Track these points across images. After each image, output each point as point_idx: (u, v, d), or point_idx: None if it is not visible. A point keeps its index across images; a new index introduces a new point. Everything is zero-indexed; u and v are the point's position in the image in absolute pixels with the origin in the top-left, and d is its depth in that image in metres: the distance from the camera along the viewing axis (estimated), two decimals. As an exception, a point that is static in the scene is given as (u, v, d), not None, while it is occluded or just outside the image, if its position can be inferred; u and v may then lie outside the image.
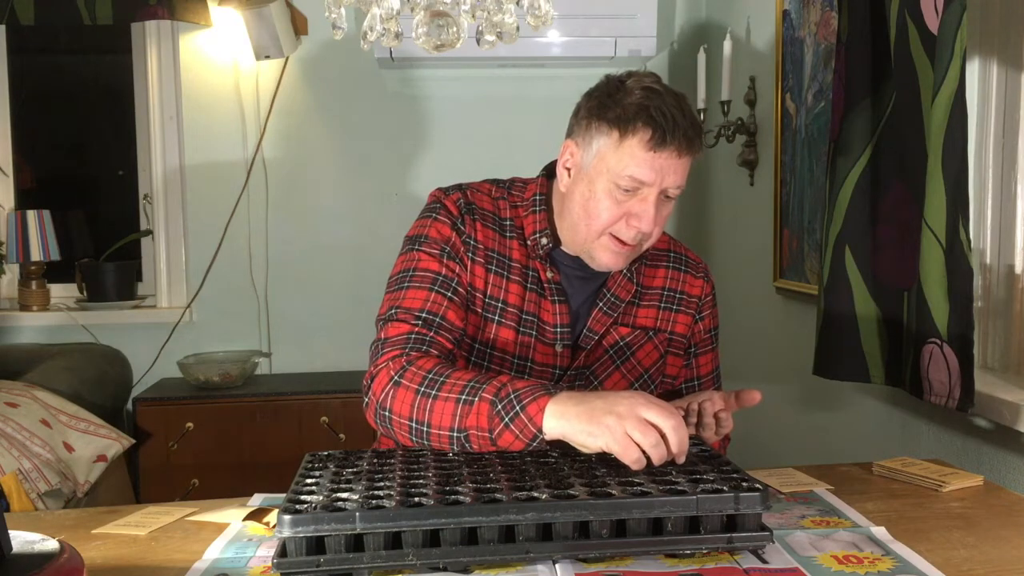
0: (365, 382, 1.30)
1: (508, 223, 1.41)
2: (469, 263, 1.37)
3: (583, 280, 1.41)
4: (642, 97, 1.27)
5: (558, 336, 1.38)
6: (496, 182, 1.47)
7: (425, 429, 1.20)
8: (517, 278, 1.38)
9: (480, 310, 1.37)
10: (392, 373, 1.25)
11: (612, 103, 1.28)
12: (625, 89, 1.29)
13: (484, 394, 1.16)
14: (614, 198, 1.29)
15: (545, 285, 1.39)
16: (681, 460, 1.08)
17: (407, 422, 1.22)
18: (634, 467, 1.06)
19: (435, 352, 1.30)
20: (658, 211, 1.29)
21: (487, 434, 1.15)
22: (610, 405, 1.08)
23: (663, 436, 1.06)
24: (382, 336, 1.32)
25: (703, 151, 1.33)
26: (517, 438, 1.13)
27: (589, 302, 1.42)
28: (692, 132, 1.27)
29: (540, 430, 1.12)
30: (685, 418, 1.27)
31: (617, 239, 1.32)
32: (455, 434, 1.18)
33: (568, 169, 1.35)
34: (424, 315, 1.32)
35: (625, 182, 1.27)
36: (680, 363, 1.49)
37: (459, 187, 1.44)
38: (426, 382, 1.22)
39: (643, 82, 1.29)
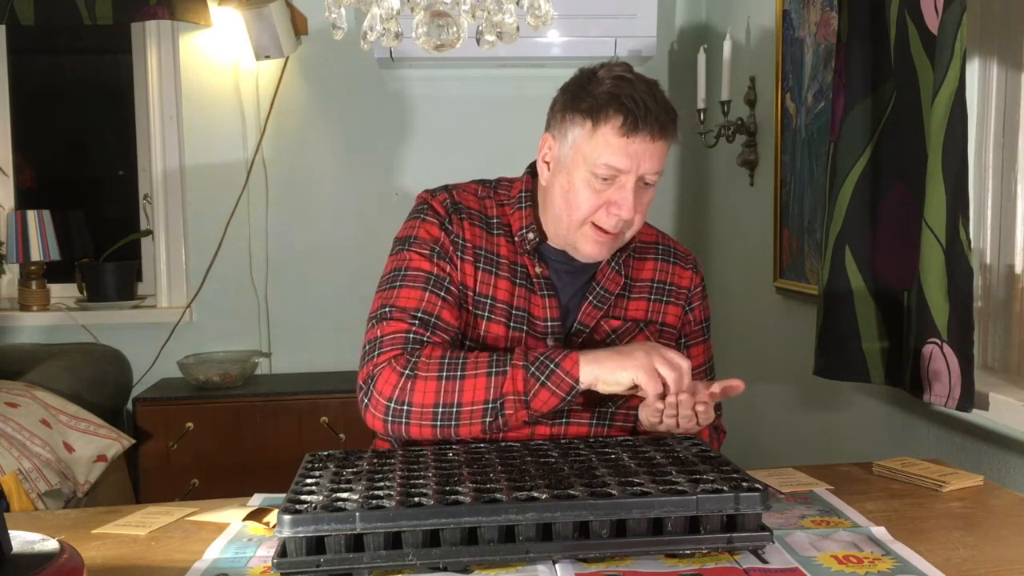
0: (361, 382, 1.30)
1: (495, 221, 1.42)
2: (459, 262, 1.38)
3: (572, 274, 1.42)
4: (613, 86, 1.29)
5: (549, 330, 1.39)
6: (482, 182, 1.48)
7: (454, 411, 1.24)
8: (505, 274, 1.39)
9: (471, 307, 1.38)
10: (400, 369, 1.26)
11: (584, 94, 1.30)
12: (597, 79, 1.31)
13: (515, 361, 1.26)
14: (592, 187, 1.30)
15: (534, 280, 1.40)
16: (683, 398, 1.25)
17: (431, 410, 1.25)
18: (652, 395, 1.22)
19: None
20: (637, 198, 1.31)
21: (522, 397, 1.24)
22: (635, 347, 1.27)
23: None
24: (377, 334, 1.32)
25: (678, 136, 1.35)
26: (553, 393, 1.25)
27: (579, 296, 1.42)
28: (665, 117, 1.29)
29: (577, 380, 1.24)
30: (663, 411, 1.29)
31: (599, 229, 1.33)
32: (490, 405, 1.24)
33: (547, 163, 1.37)
34: (420, 315, 1.32)
35: (602, 170, 1.29)
36: None
37: (445, 188, 1.45)
38: (445, 367, 1.26)
39: (614, 71, 1.31)
